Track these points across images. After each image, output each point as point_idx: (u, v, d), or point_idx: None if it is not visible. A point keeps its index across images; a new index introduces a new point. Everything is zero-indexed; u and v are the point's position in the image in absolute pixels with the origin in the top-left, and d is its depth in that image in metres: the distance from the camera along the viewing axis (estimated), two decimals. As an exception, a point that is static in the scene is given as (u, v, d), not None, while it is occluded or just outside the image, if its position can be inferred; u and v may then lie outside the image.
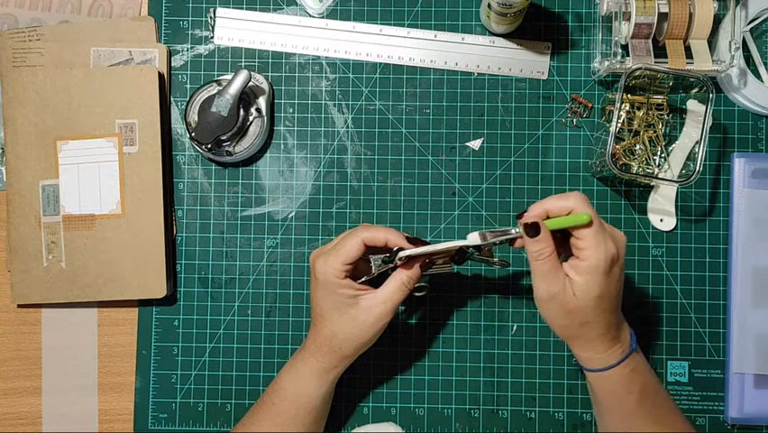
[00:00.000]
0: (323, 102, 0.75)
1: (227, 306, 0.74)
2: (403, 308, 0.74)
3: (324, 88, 0.75)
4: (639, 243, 0.73)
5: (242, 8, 0.75)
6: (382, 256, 0.62)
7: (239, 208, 0.75)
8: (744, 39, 0.73)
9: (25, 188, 0.72)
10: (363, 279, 0.63)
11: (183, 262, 0.74)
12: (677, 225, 0.73)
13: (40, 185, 0.72)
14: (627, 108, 0.73)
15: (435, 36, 0.75)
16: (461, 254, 0.63)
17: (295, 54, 0.75)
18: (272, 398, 0.65)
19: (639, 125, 0.73)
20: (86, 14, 0.75)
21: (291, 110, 0.75)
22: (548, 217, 0.58)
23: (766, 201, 0.72)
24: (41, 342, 0.74)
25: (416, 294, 0.68)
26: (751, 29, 0.74)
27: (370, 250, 0.63)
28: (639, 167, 0.73)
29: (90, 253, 0.72)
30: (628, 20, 0.69)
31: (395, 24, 0.75)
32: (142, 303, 0.74)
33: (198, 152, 0.74)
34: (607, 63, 0.70)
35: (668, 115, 0.73)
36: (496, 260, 0.65)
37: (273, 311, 0.74)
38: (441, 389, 0.73)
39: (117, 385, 0.74)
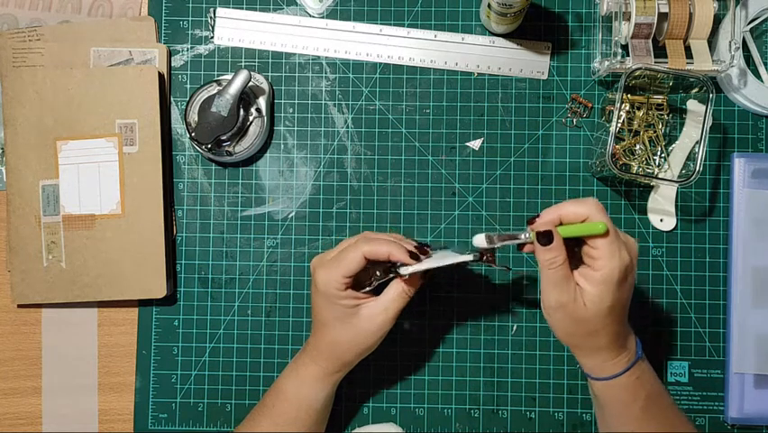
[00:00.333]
0: (323, 102, 0.75)
1: (227, 306, 0.74)
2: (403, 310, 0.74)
3: (324, 88, 0.75)
4: (639, 243, 0.73)
5: (242, 8, 0.75)
6: (383, 267, 0.62)
7: (239, 208, 0.75)
8: (744, 39, 0.73)
9: (25, 188, 0.72)
10: (366, 289, 0.62)
11: (183, 262, 0.74)
12: (677, 225, 0.73)
13: (40, 185, 0.72)
14: (627, 108, 0.73)
15: (435, 36, 0.75)
16: (462, 265, 0.62)
17: (295, 54, 0.75)
18: (273, 400, 0.65)
19: (639, 125, 0.73)
20: (86, 14, 0.75)
21: (291, 110, 0.75)
22: (560, 223, 0.56)
23: (766, 201, 0.72)
24: (41, 342, 0.74)
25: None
26: (751, 29, 0.74)
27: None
28: (639, 167, 0.73)
29: (90, 253, 0.72)
30: (628, 20, 0.69)
31: (395, 24, 0.75)
32: (142, 303, 0.74)
33: (198, 151, 0.74)
34: (607, 63, 0.70)
35: (668, 115, 0.73)
36: (498, 265, 0.62)
37: (273, 311, 0.74)
38: (441, 389, 0.73)
39: (117, 385, 0.74)
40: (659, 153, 0.73)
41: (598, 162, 0.71)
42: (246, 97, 0.71)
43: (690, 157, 0.72)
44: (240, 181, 0.75)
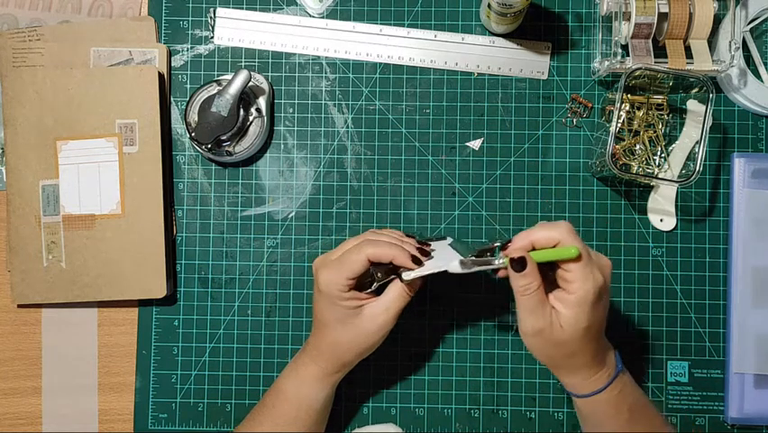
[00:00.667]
0: (323, 102, 0.75)
1: (227, 306, 0.74)
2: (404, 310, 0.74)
3: (324, 88, 0.75)
4: (639, 243, 0.73)
5: (242, 8, 0.75)
6: (384, 268, 0.62)
7: (239, 208, 0.75)
8: (744, 39, 0.73)
9: (25, 188, 0.72)
10: (368, 291, 0.62)
11: (183, 262, 0.74)
12: (677, 225, 0.73)
13: (40, 185, 0.72)
14: (627, 108, 0.73)
15: (435, 36, 0.75)
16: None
17: (295, 54, 0.75)
18: (273, 400, 0.65)
19: (639, 125, 0.73)
20: (86, 14, 0.75)
21: (291, 110, 0.75)
22: (533, 248, 0.56)
23: (766, 201, 0.72)
24: (41, 342, 0.74)
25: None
26: (751, 29, 0.74)
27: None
28: (639, 167, 0.73)
29: (90, 253, 0.72)
30: (628, 20, 0.69)
31: (395, 24, 0.75)
32: (142, 303, 0.74)
33: (198, 151, 0.74)
34: (607, 63, 0.70)
35: (668, 115, 0.73)
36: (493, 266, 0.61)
37: (273, 311, 0.74)
38: (441, 389, 0.73)
39: (117, 385, 0.74)
40: (659, 153, 0.73)
41: (598, 162, 0.71)
42: (246, 97, 0.71)
43: (690, 157, 0.72)
44: (240, 181, 0.75)
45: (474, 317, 0.73)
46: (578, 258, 0.54)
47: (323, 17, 0.75)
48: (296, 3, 0.75)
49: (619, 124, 0.73)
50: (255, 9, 0.75)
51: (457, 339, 0.73)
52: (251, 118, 0.72)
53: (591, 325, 0.56)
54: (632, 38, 0.70)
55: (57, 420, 0.74)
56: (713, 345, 0.73)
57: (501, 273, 0.58)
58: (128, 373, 0.74)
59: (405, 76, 0.75)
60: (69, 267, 0.72)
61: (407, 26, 0.75)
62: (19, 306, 0.74)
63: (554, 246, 0.56)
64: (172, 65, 0.75)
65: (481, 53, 0.74)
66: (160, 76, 0.72)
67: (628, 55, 0.70)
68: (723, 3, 0.70)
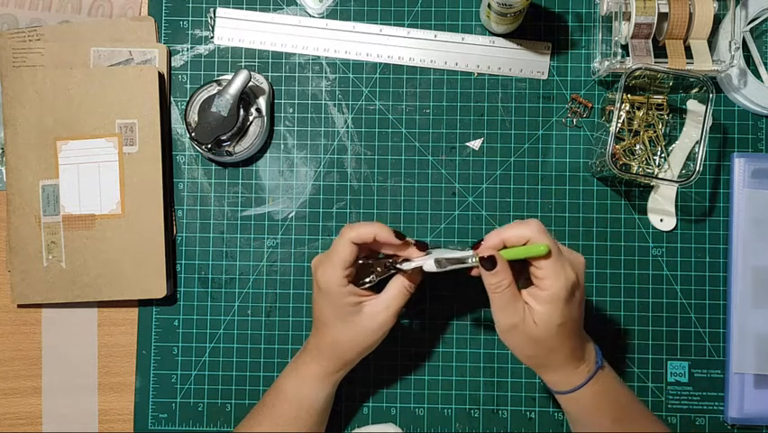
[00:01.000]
0: (323, 102, 0.75)
1: (227, 306, 0.74)
2: (404, 308, 0.74)
3: (324, 88, 0.75)
4: (639, 243, 0.73)
5: (242, 8, 0.75)
6: (382, 263, 0.62)
7: (239, 208, 0.75)
8: (744, 39, 0.73)
9: (25, 188, 0.72)
10: (366, 285, 0.62)
11: (183, 262, 0.74)
12: (677, 225, 0.73)
13: (40, 185, 0.72)
14: (627, 108, 0.73)
15: (435, 36, 0.75)
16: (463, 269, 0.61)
17: (295, 54, 0.75)
18: (273, 400, 0.65)
19: (639, 125, 0.73)
20: (86, 14, 0.75)
21: (291, 110, 0.75)
22: (504, 246, 0.57)
23: (766, 201, 0.72)
24: (41, 342, 0.74)
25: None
26: (751, 29, 0.74)
27: (369, 253, 0.63)
28: (639, 167, 0.73)
29: (90, 253, 0.72)
30: (628, 20, 0.69)
31: (395, 24, 0.75)
32: (142, 303, 0.74)
33: (198, 151, 0.74)
34: (607, 63, 0.70)
35: (668, 115, 0.73)
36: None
37: (273, 311, 0.74)
38: (441, 389, 0.73)
39: (117, 385, 0.74)
40: (659, 153, 0.73)
41: (598, 162, 0.71)
42: (246, 97, 0.71)
43: (690, 157, 0.72)
44: (240, 181, 0.75)
45: (475, 318, 0.73)
46: (548, 255, 0.55)
47: (323, 17, 0.75)
48: (296, 3, 0.75)
49: (619, 124, 0.73)
50: (255, 9, 0.75)
51: (457, 339, 0.73)
52: (251, 118, 0.72)
53: (565, 321, 0.56)
54: (632, 38, 0.70)
55: (57, 420, 0.74)
56: (713, 345, 0.73)
57: (474, 272, 0.59)
58: (128, 373, 0.74)
59: (405, 76, 0.75)
60: (69, 267, 0.72)
61: (407, 26, 0.75)
62: (19, 306, 0.74)
63: (525, 244, 0.57)
64: (172, 65, 0.75)
65: (481, 53, 0.74)
66: (160, 76, 0.72)
67: (628, 55, 0.70)
68: (723, 3, 0.70)
